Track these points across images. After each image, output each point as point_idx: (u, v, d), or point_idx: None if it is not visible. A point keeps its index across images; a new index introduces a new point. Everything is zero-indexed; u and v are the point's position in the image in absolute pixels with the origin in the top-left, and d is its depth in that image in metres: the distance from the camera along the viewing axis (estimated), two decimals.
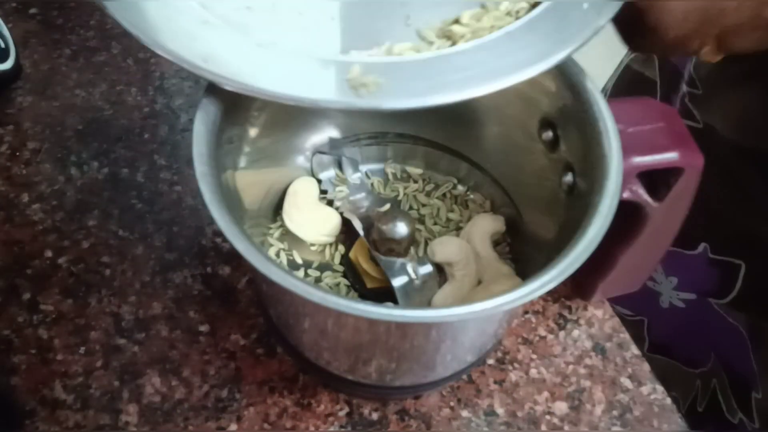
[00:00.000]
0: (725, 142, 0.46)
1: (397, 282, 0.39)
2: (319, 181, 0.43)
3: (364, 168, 0.44)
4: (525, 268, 0.40)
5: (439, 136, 0.43)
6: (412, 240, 0.39)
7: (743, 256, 0.47)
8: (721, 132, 0.46)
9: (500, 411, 0.40)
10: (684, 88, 0.49)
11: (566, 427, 0.40)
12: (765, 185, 0.45)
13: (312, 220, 0.41)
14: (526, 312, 0.44)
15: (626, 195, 0.35)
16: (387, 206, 0.42)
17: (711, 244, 0.48)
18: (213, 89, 0.32)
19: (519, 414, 0.40)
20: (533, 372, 0.41)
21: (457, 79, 0.29)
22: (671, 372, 0.45)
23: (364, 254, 0.40)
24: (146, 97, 0.53)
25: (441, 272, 0.40)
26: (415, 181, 0.44)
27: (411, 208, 0.43)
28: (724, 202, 0.40)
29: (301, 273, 0.41)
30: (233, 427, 0.38)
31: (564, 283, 0.28)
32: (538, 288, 0.28)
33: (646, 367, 0.42)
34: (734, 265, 0.47)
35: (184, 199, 0.47)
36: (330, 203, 0.43)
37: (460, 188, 0.44)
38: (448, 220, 0.43)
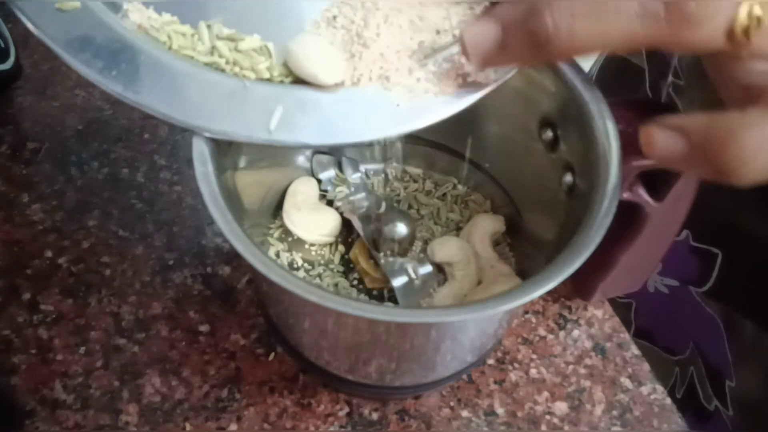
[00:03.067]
0: None
1: (397, 282, 0.39)
2: (319, 181, 0.43)
3: (364, 168, 0.44)
4: (525, 268, 0.40)
5: (439, 136, 0.43)
6: (412, 240, 0.39)
7: (720, 245, 0.47)
8: None
9: (500, 411, 0.40)
10: (669, 78, 0.49)
11: (566, 427, 0.40)
12: None
13: (312, 220, 0.41)
14: (526, 312, 0.44)
15: (626, 195, 0.35)
16: (387, 206, 0.42)
17: (693, 231, 0.49)
18: None
19: (519, 414, 0.40)
20: (533, 372, 0.41)
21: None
22: (652, 358, 0.45)
23: (364, 254, 0.40)
24: None
25: (441, 272, 0.40)
26: (415, 181, 0.44)
27: (411, 208, 0.43)
28: (705, 190, 0.40)
29: (301, 273, 0.41)
30: (233, 427, 0.38)
31: (564, 283, 0.28)
32: (538, 288, 0.28)
33: (646, 367, 0.42)
34: (712, 254, 0.48)
35: (184, 199, 0.47)
36: (330, 203, 0.43)
37: (460, 188, 0.44)
38: (448, 220, 0.43)
